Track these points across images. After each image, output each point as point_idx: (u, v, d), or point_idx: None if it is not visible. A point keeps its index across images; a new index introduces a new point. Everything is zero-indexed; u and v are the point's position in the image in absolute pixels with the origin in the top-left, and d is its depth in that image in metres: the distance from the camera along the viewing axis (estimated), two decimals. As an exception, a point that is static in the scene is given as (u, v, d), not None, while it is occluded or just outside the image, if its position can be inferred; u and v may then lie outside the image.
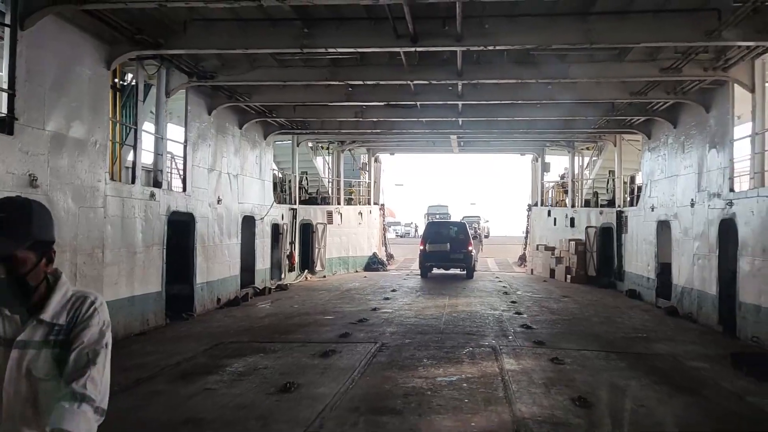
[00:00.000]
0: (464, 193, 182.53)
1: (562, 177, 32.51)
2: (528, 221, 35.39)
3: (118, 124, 13.43)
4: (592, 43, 11.66)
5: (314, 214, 27.53)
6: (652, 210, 19.78)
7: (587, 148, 29.77)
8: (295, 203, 25.91)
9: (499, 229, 72.23)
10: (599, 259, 24.89)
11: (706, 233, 15.57)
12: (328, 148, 30.51)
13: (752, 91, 13.52)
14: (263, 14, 11.71)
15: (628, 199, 23.45)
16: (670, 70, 13.80)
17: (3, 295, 2.45)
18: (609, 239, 24.11)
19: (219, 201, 17.92)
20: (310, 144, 29.11)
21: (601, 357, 11.24)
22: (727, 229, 14.30)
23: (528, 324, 14.59)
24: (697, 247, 16.16)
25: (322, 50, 12.58)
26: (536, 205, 33.86)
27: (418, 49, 12.19)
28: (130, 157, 14.47)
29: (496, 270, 33.88)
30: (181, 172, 16.61)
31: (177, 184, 16.74)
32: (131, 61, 13.42)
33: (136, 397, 8.32)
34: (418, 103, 18.31)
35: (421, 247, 27.60)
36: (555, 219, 30.30)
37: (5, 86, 9.73)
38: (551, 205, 32.19)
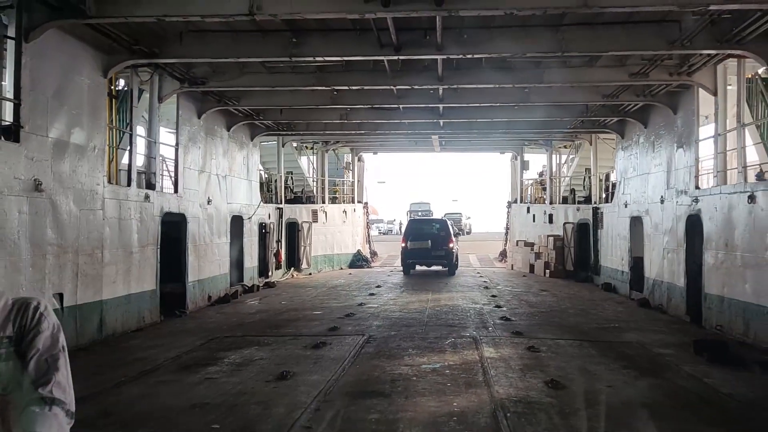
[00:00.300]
0: (446, 190, 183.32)
1: (541, 175, 33.38)
2: (508, 218, 36.28)
3: (114, 129, 14.00)
4: (564, 51, 12.45)
5: (300, 212, 28.15)
6: (626, 206, 20.66)
7: (565, 147, 30.67)
8: (281, 203, 26.53)
9: (480, 226, 73.12)
10: (577, 254, 25.72)
11: (674, 228, 16.45)
12: (312, 148, 31.13)
13: (714, 94, 14.40)
14: (255, 26, 12.36)
15: (604, 196, 24.33)
16: (638, 75, 14.64)
17: None
18: (586, 235, 24.96)
19: (209, 201, 18.51)
20: (294, 144, 29.70)
21: (575, 345, 12.05)
22: (694, 224, 15.18)
23: (507, 316, 15.38)
24: (666, 242, 17.05)
25: (310, 58, 13.28)
26: (516, 202, 34.74)
27: (401, 57, 12.92)
28: (124, 160, 15.03)
29: (478, 266, 34.72)
30: (172, 174, 17.19)
31: (168, 185, 17.31)
32: (126, 69, 13.98)
33: (143, 386, 8.99)
34: (401, 106, 19.06)
35: (403, 245, 28.01)
36: (534, 215, 31.18)
37: (11, 96, 10.29)
38: (530, 202, 33.06)
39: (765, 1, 9.72)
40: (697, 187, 15.29)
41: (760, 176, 12.90)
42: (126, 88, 14.94)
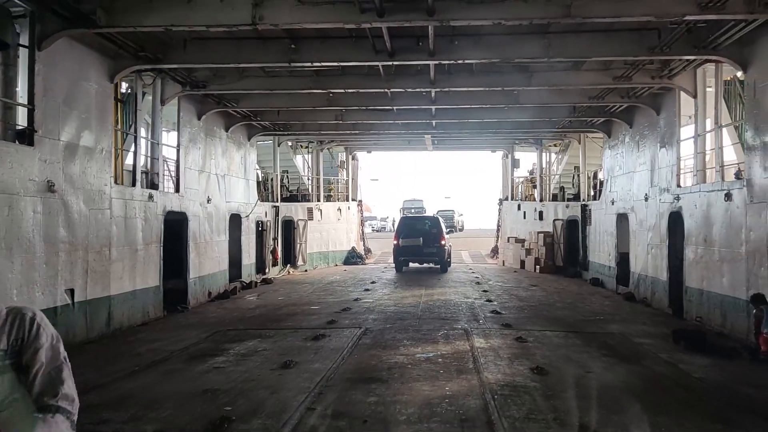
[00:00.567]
0: (439, 188, 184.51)
1: (531, 172, 34.06)
2: (499, 215, 36.91)
3: (119, 132, 14.56)
4: (551, 57, 13.16)
5: (295, 210, 28.74)
6: (613, 204, 21.34)
7: (554, 145, 31.34)
8: (277, 201, 27.13)
9: (472, 223, 74.08)
10: (566, 250, 26.42)
11: (657, 225, 17.13)
12: (307, 147, 31.69)
13: (694, 96, 15.08)
14: (255, 34, 12.95)
15: (592, 193, 24.99)
16: (621, 78, 15.33)
17: None
18: (575, 231, 25.66)
19: (209, 200, 19.09)
20: (290, 143, 30.24)
21: (561, 336, 12.71)
22: (676, 221, 15.86)
23: (497, 310, 16.04)
24: (650, 238, 17.73)
25: (308, 64, 13.87)
26: (507, 199, 35.37)
27: (395, 63, 13.54)
28: (128, 161, 15.60)
29: (470, 262, 35.40)
30: (173, 174, 17.76)
31: (169, 185, 17.86)
32: (130, 74, 14.54)
33: (155, 374, 9.60)
34: (395, 107, 19.73)
35: (395, 242, 28.22)
36: (525, 213, 31.82)
37: (24, 101, 10.85)
38: (521, 200, 33.67)
39: (736, 12, 10.37)
40: (678, 186, 15.96)
41: (738, 175, 13.56)
42: (129, 92, 15.52)
